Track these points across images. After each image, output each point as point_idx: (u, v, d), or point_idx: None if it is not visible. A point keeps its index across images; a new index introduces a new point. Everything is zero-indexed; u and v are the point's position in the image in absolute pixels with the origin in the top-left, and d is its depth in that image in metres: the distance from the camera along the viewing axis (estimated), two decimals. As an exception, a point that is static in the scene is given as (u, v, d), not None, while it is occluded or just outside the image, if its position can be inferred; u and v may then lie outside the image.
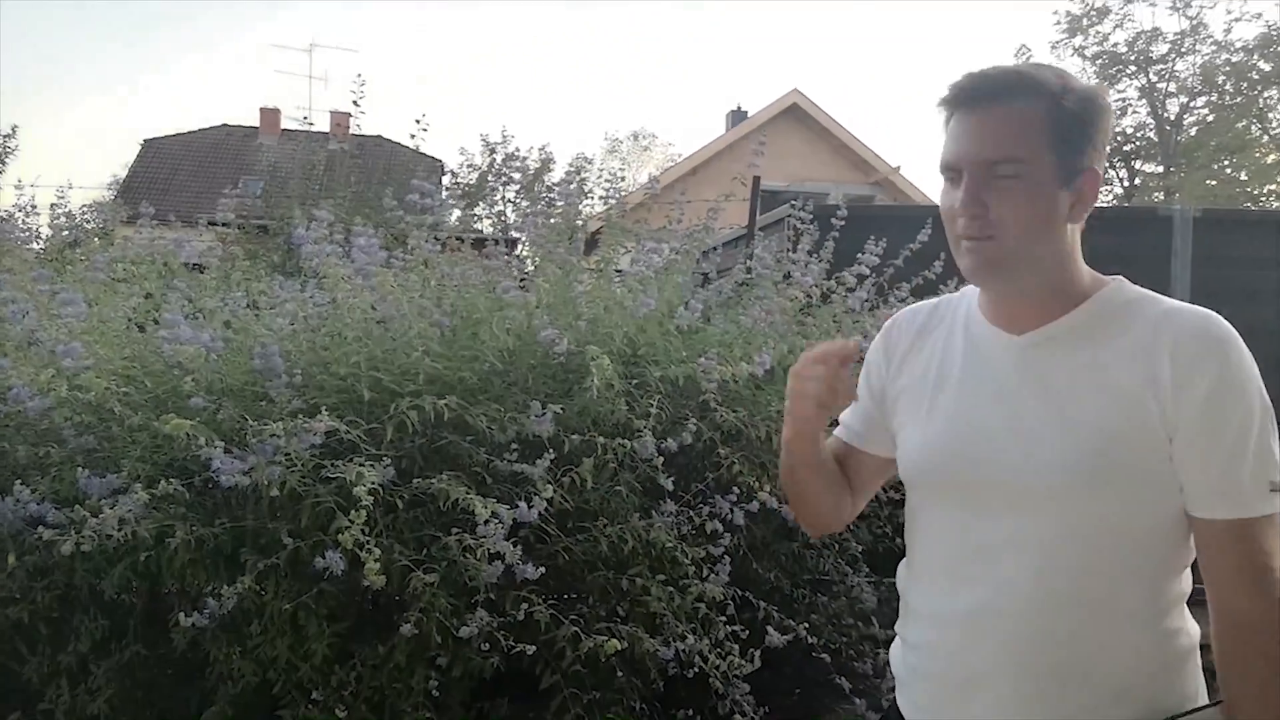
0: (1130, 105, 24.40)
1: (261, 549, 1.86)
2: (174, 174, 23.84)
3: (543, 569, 1.83)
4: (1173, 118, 24.22)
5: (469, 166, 23.82)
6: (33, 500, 1.69)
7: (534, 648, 1.85)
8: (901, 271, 3.47)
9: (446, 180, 23.07)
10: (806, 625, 2.69)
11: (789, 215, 3.69)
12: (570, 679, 2.04)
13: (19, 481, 1.71)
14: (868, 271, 3.00)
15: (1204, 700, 1.13)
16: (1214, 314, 1.08)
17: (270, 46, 59.03)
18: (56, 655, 2.11)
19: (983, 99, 1.09)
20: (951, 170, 1.11)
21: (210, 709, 2.06)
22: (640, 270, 2.34)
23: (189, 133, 25.39)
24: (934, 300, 1.27)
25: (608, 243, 2.77)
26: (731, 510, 2.19)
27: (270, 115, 25.43)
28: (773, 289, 2.97)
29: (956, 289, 3.27)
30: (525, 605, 1.91)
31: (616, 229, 3.02)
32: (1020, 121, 1.07)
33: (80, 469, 1.74)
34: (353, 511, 1.65)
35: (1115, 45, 24.16)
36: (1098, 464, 1.05)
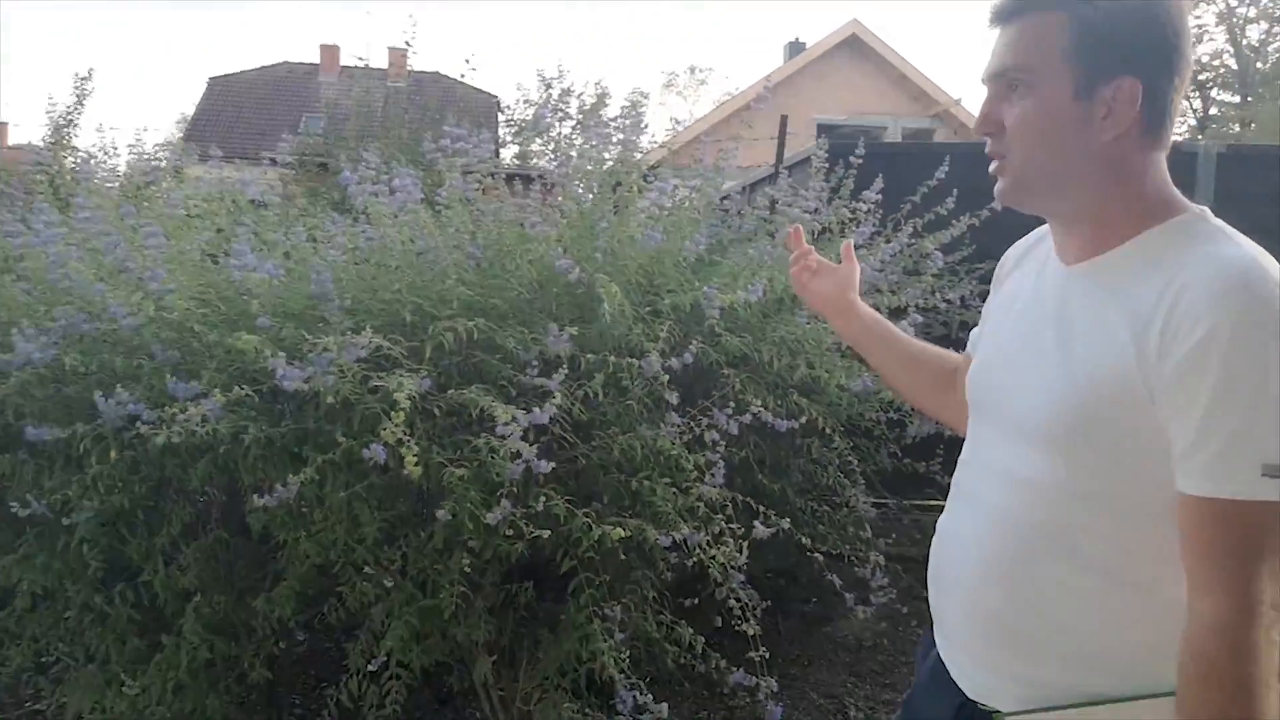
0: (1207, 31, 23.38)
1: (320, 447, 2.18)
2: (239, 111, 24.35)
3: (555, 465, 2.11)
4: (1253, 45, 23.16)
5: (524, 102, 24.02)
6: (130, 401, 2.02)
7: (548, 533, 2.14)
8: (918, 208, 3.64)
9: (501, 117, 23.27)
10: (811, 534, 2.97)
11: (812, 155, 3.86)
12: (585, 564, 2.34)
13: (119, 385, 2.04)
14: (866, 207, 3.18)
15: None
16: (1257, 262, 0.94)
17: (330, -18, 59.08)
18: (152, 538, 2.47)
19: (1006, 14, 1.07)
20: (985, 84, 1.10)
21: (281, 584, 2.41)
22: (649, 207, 2.57)
23: (252, 70, 25.85)
24: (1046, 227, 1.22)
25: (628, 181, 3.00)
26: (728, 421, 2.44)
27: (330, 52, 25.74)
28: (788, 223, 3.18)
29: (969, 225, 3.52)
30: (544, 499, 2.21)
31: (640, 169, 3.24)
32: (1034, 31, 1.03)
33: (169, 376, 2.06)
34: (394, 413, 1.95)
35: (1194, -32, 23.08)
36: (1081, 415, 1.00)
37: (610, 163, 3.04)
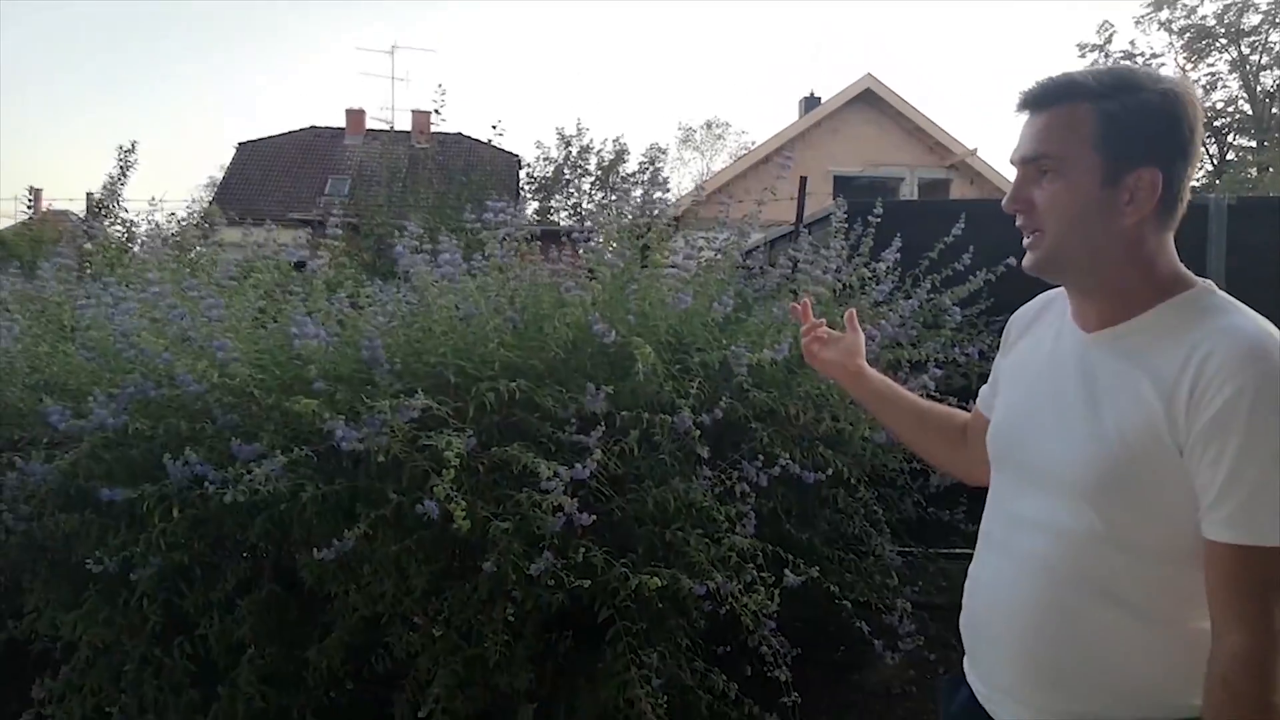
0: (1220, 79, 23.62)
1: (371, 504, 2.30)
2: (267, 174, 25.01)
3: (595, 517, 2.23)
4: (1268, 91, 23.33)
5: (545, 160, 24.48)
6: (198, 462, 2.15)
7: (588, 583, 2.24)
8: (936, 264, 3.76)
9: (523, 175, 23.76)
10: (838, 583, 3.05)
11: (831, 213, 4.01)
12: (622, 613, 2.44)
13: (187, 448, 2.18)
14: (884, 268, 3.31)
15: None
16: (1268, 333, 1.04)
17: (355, 50, 61.02)
18: (208, 592, 2.59)
19: (1034, 103, 1.16)
20: (1014, 166, 1.20)
21: (331, 636, 2.52)
22: (679, 271, 2.71)
23: (280, 135, 26.56)
24: (1053, 292, 1.33)
25: (658, 244, 3.15)
26: (757, 474, 2.55)
27: (355, 116, 26.48)
28: (810, 283, 3.31)
29: (985, 280, 3.67)
30: (584, 550, 2.31)
31: (668, 230, 3.39)
32: (1064, 122, 1.12)
33: (232, 438, 2.20)
34: (444, 471, 2.08)
35: (1204, 18, 23.39)
36: (1113, 470, 1.08)
37: (634, 218, 3.19)
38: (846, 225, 3.75)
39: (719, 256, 3.07)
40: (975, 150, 20.24)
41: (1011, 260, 3.47)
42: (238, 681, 2.49)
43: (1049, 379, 1.23)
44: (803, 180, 4.66)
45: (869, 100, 20.22)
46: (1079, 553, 1.13)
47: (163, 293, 2.55)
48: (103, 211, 6.85)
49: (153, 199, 4.60)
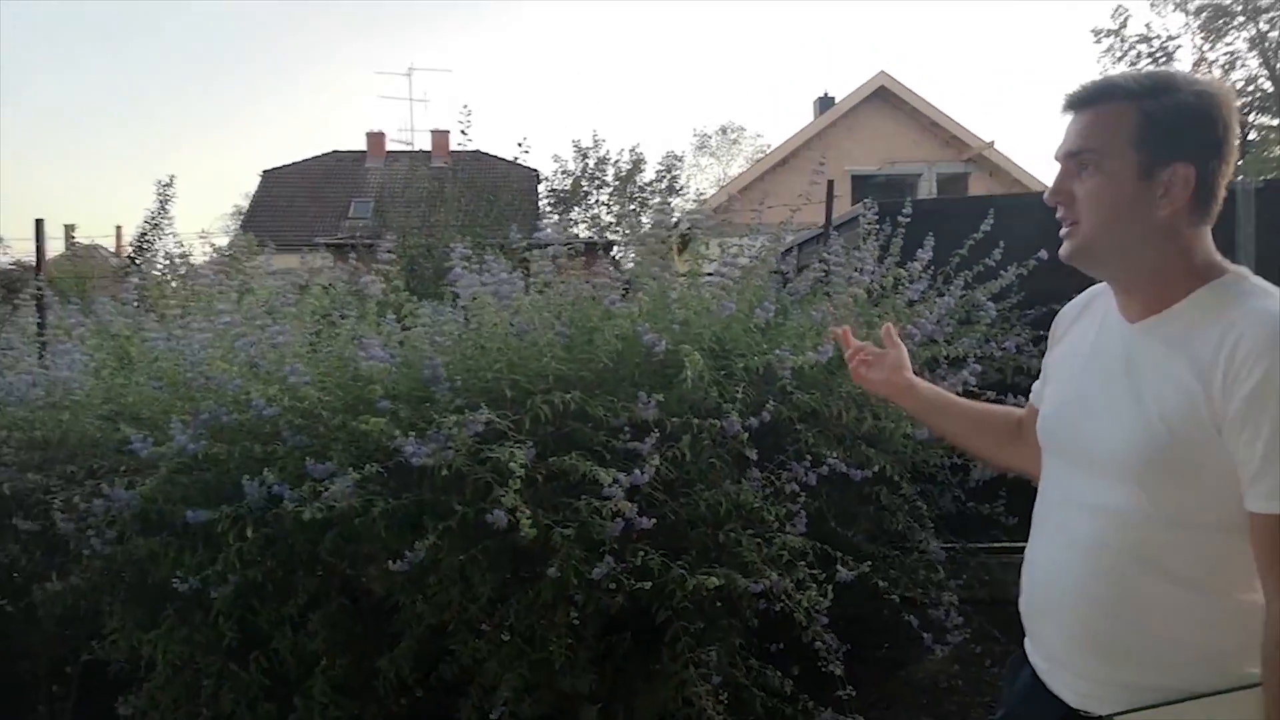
0: (1240, 58, 23.38)
1: (438, 515, 2.40)
2: (292, 201, 25.36)
3: (655, 520, 2.31)
4: (1287, 68, 23.06)
5: (563, 173, 24.67)
6: (275, 483, 2.26)
7: (649, 584, 2.33)
8: (966, 260, 3.82)
9: (541, 189, 23.96)
10: (885, 580, 3.12)
11: (860, 215, 4.08)
12: (680, 614, 2.52)
13: (265, 468, 2.29)
14: (918, 267, 3.37)
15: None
16: None
17: (373, 74, 61.84)
18: (280, 608, 2.70)
19: (1078, 103, 1.24)
20: (1058, 162, 1.28)
21: (400, 645, 2.62)
22: (720, 279, 2.79)
23: (303, 161, 26.95)
24: (1098, 288, 1.40)
25: (694, 253, 3.24)
26: (806, 473, 2.63)
27: (376, 139, 26.83)
28: (844, 285, 3.39)
29: (1016, 275, 3.76)
30: (642, 553, 2.40)
31: (703, 232, 3.49)
32: (1105, 120, 1.20)
33: (306, 458, 2.31)
34: (510, 481, 2.17)
35: (1220, -4, 23.16)
36: (1158, 451, 1.15)
37: (665, 227, 3.28)
38: (877, 226, 3.82)
39: (756, 262, 3.15)
40: (993, 142, 20.17)
41: (1043, 254, 3.53)
42: (312, 692, 2.60)
43: (1095, 369, 1.30)
44: (830, 184, 4.74)
45: (884, 97, 20.22)
46: (1130, 531, 1.19)
47: (233, 323, 2.67)
48: (144, 246, 7.07)
49: (202, 232, 4.75)
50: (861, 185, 18.07)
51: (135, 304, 3.56)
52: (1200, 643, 1.17)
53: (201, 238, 4.42)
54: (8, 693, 3.37)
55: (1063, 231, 1.26)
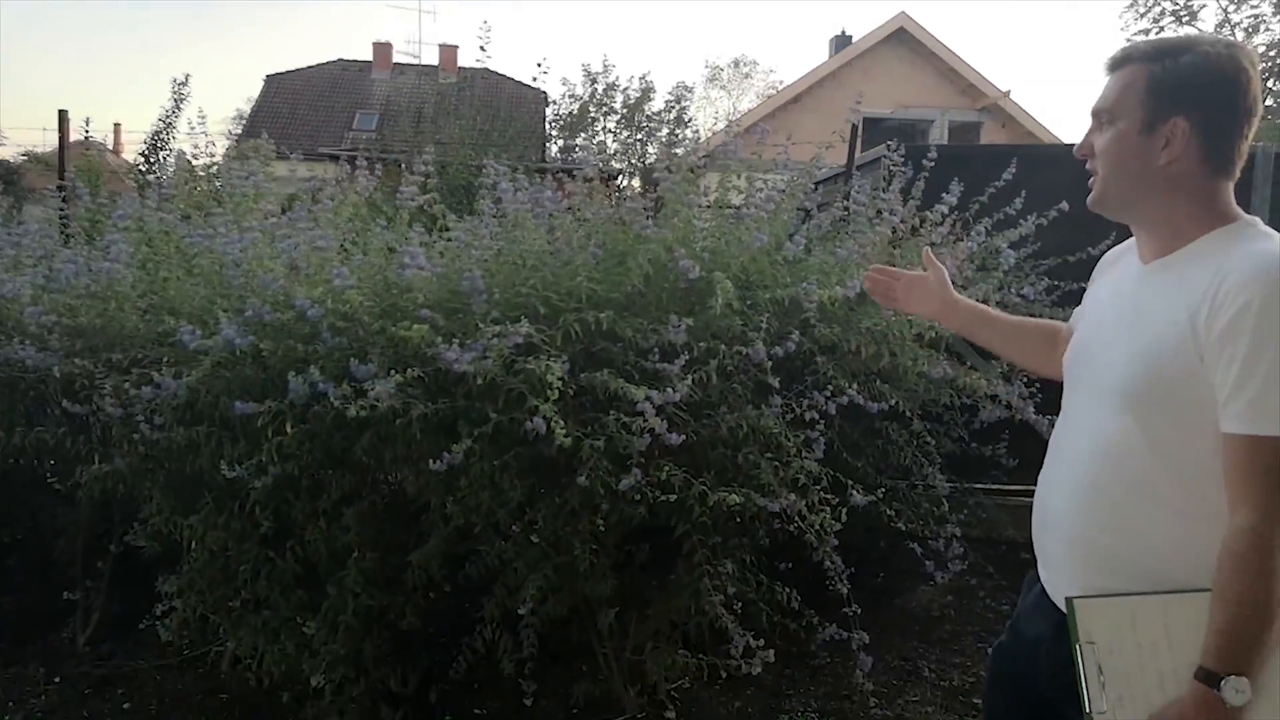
0: (1264, 22, 22.98)
1: (472, 422, 2.50)
2: (295, 108, 25.01)
3: (684, 437, 2.42)
4: (1312, 33, 22.69)
5: (571, 97, 24.27)
6: (320, 380, 2.35)
7: (673, 498, 2.45)
8: (986, 208, 3.88)
9: (548, 112, 23.64)
10: (891, 511, 3.25)
11: (883, 157, 4.12)
12: (697, 528, 2.65)
13: (311, 366, 2.37)
14: (947, 211, 3.44)
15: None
16: None
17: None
18: (314, 501, 2.82)
19: (1109, 67, 1.38)
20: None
21: (429, 544, 2.75)
22: (753, 212, 2.86)
23: (308, 68, 26.47)
24: (1131, 241, 1.51)
25: (724, 182, 3.29)
26: (826, 402, 2.73)
27: (383, 50, 26.33)
28: (867, 225, 3.45)
29: (1036, 225, 3.85)
30: (666, 469, 2.51)
31: (732, 163, 3.52)
32: (1124, 80, 1.34)
33: (349, 359, 2.39)
34: (547, 391, 2.27)
35: (1249, -43, 22.66)
36: (1143, 380, 1.27)
37: (698, 152, 3.32)
38: (900, 169, 3.87)
39: (784, 197, 3.21)
40: (1009, 92, 19.97)
41: (1065, 205, 3.59)
42: (345, 582, 2.73)
43: (1110, 308, 1.44)
44: (854, 127, 4.76)
45: (902, 39, 19.93)
46: (1121, 456, 1.31)
47: (278, 224, 2.73)
48: (159, 145, 7.04)
49: (229, 133, 4.75)
50: (873, 128, 17.90)
51: (158, 202, 3.58)
52: (1180, 557, 1.27)
53: (228, 137, 4.40)
54: (45, 570, 3.52)
55: (1090, 181, 1.40)
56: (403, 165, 7.78)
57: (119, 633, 3.50)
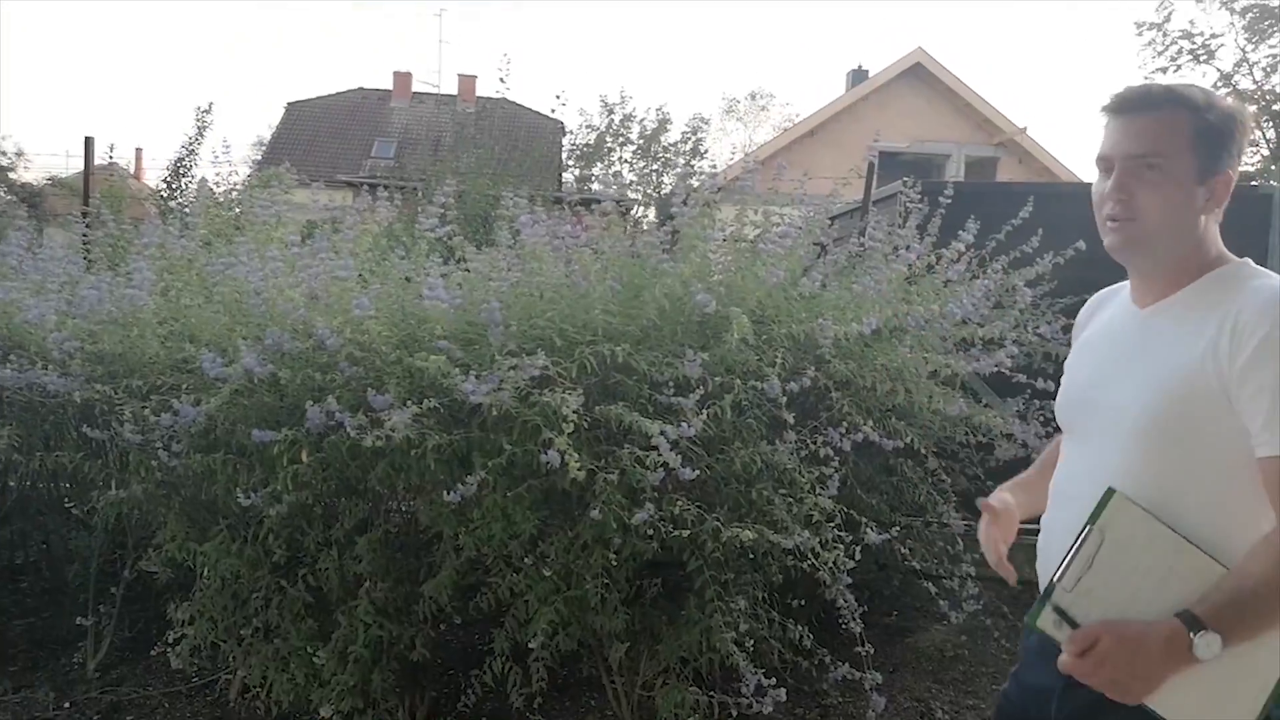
0: (1280, 61, 23.00)
1: (487, 454, 2.50)
2: (315, 136, 25.32)
3: (697, 472, 2.41)
4: (1329, 73, 22.69)
5: (587, 128, 24.43)
6: (338, 410, 2.37)
7: (685, 533, 2.44)
8: (1003, 245, 3.88)
9: (565, 142, 23.81)
10: (905, 549, 3.23)
11: (900, 193, 4.13)
12: (710, 564, 2.63)
13: (329, 395, 2.39)
14: (963, 248, 3.44)
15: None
16: None
17: (403, 12, 61.19)
18: (327, 531, 2.83)
19: (1138, 107, 1.34)
20: (1105, 161, 1.36)
21: (440, 574, 2.74)
22: (769, 247, 2.87)
23: (328, 96, 26.82)
24: (1112, 287, 1.55)
25: (740, 216, 3.31)
26: (841, 439, 2.72)
27: (402, 79, 26.67)
28: (883, 261, 3.46)
29: (1052, 263, 3.84)
30: (679, 504, 2.51)
31: (747, 197, 3.54)
32: (1168, 127, 1.31)
33: (368, 389, 2.40)
34: (562, 424, 2.27)
35: (1267, -2, 22.73)
36: (1161, 417, 1.28)
37: (713, 185, 3.34)
38: (916, 205, 3.88)
39: (801, 232, 3.22)
40: (1026, 128, 20.02)
41: (1082, 244, 3.59)
42: (355, 612, 2.73)
43: (1108, 351, 1.44)
44: (871, 164, 4.78)
45: (918, 75, 20.05)
46: (1138, 490, 1.29)
47: (301, 253, 2.76)
48: (182, 172, 7.14)
49: (238, 162, 4.81)
50: (889, 162, 17.96)
51: (181, 229, 3.63)
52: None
53: (250, 164, 4.46)
54: (57, 594, 3.53)
55: (1113, 225, 1.35)
56: (420, 194, 7.88)
57: (130, 659, 3.50)
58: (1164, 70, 24.21)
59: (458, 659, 3.41)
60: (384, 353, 2.60)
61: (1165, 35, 23.53)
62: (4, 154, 30.02)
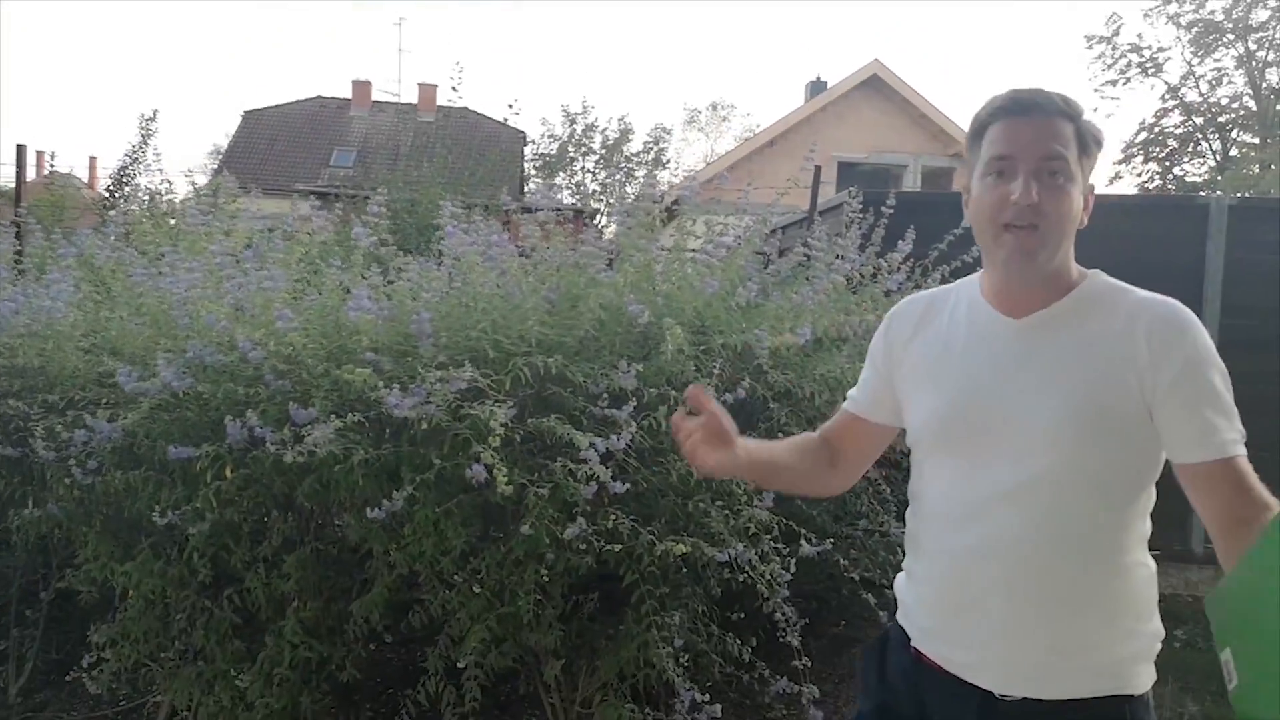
0: (1226, 75, 23.65)
1: (415, 468, 2.45)
2: (272, 144, 24.99)
3: (628, 486, 2.38)
4: (1273, 87, 23.36)
5: (549, 137, 24.51)
6: (258, 424, 2.30)
7: (618, 547, 2.40)
8: (944, 255, 3.90)
9: (528, 151, 23.82)
10: (846, 559, 3.21)
11: (844, 203, 4.15)
12: (646, 578, 2.60)
13: (249, 410, 2.32)
14: (898, 257, 3.45)
15: (1160, 629, 1.33)
16: (1177, 303, 1.29)
17: (361, 19, 60.74)
18: (254, 548, 2.75)
19: (1036, 109, 1.29)
20: (1005, 161, 1.28)
21: (371, 592, 2.68)
22: (705, 257, 2.85)
23: (286, 104, 26.50)
24: (929, 291, 1.50)
25: (680, 226, 3.29)
26: (776, 451, 2.70)
27: (362, 88, 26.45)
28: (825, 271, 3.45)
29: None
30: (613, 517, 2.47)
31: (691, 208, 3.54)
32: (1064, 132, 1.27)
33: (289, 402, 2.34)
34: (489, 438, 2.23)
35: (1212, 13, 23.37)
36: (1081, 423, 1.26)
37: (655, 197, 3.32)
38: (860, 215, 3.88)
39: (740, 242, 3.21)
40: (980, 140, 20.26)
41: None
42: (283, 632, 2.65)
43: (987, 363, 1.35)
44: (817, 169, 4.79)
45: (875, 86, 20.25)
46: (1056, 507, 1.27)
47: (223, 263, 2.69)
48: (125, 180, 6.99)
49: (188, 171, 4.71)
50: (848, 172, 18.14)
51: (115, 238, 3.54)
52: (1108, 604, 1.30)
53: (186, 176, 4.38)
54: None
55: (1013, 232, 1.26)
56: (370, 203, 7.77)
57: (54, 682, 3.38)
58: (1113, 83, 24.78)
59: (396, 677, 3.33)
60: (311, 365, 2.54)
61: (1114, 49, 24.11)
62: (-52, 162, 29.34)
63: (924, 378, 1.42)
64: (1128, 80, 24.38)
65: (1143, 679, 1.33)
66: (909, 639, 1.46)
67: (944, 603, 1.39)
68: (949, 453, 1.38)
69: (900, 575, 1.55)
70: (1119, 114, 56.43)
